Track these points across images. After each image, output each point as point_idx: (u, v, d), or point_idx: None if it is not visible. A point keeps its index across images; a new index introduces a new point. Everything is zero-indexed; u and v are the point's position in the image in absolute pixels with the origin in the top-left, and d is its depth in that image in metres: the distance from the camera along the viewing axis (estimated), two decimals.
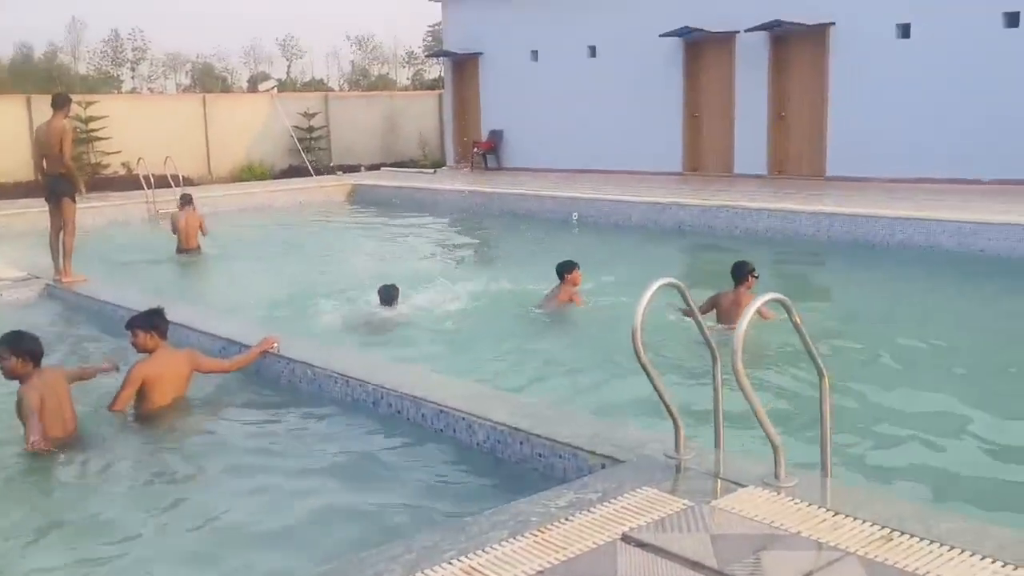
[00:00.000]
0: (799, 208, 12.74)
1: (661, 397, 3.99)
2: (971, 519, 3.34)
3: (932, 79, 15.00)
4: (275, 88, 25.75)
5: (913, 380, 6.36)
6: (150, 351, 5.90)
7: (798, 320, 3.72)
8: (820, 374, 3.83)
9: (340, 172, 22.31)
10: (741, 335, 3.55)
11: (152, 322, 5.94)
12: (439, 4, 23.16)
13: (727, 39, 17.53)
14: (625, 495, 3.68)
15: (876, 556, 3.09)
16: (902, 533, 3.23)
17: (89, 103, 20.68)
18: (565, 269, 8.54)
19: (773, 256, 11.60)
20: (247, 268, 12.05)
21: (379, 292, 8.51)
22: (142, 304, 6.45)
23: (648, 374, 3.91)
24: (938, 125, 14.99)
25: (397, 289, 8.56)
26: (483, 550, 3.27)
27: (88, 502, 4.79)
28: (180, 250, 12.54)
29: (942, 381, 6.29)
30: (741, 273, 7.49)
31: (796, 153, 17.15)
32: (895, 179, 15.33)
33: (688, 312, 4.23)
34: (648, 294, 3.87)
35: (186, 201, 12.91)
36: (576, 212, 15.16)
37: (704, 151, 18.55)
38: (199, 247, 12.70)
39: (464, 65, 22.90)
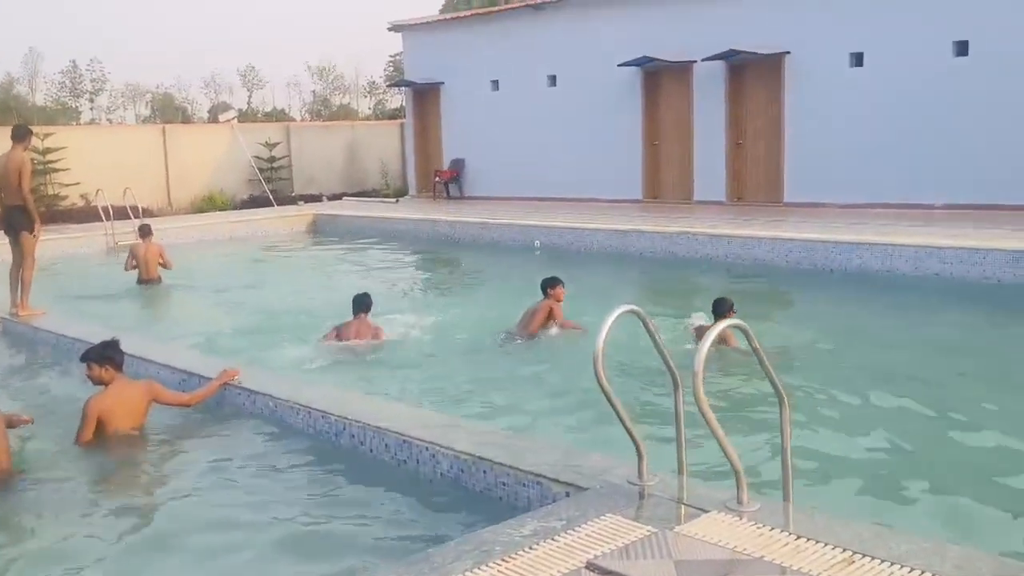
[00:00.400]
0: (758, 234, 12.89)
1: (623, 423, 4.00)
2: (929, 539, 3.38)
3: (885, 107, 15.31)
4: (235, 118, 25.64)
5: (872, 403, 6.43)
6: (106, 383, 5.84)
7: (757, 346, 3.75)
8: (780, 400, 3.87)
9: (301, 202, 22.21)
10: (701, 361, 3.58)
11: (106, 354, 5.88)
12: (400, 34, 23.24)
13: (685, 69, 17.77)
14: (589, 522, 3.68)
15: None
16: (863, 556, 3.26)
17: (47, 134, 20.45)
18: (549, 284, 8.71)
19: (732, 282, 11.73)
20: (208, 299, 11.93)
21: (354, 301, 8.48)
22: (100, 337, 6.35)
23: (610, 400, 3.92)
24: (891, 151, 15.28)
25: (369, 296, 8.57)
26: None
27: (37, 535, 4.69)
28: (140, 281, 12.47)
29: (901, 404, 6.36)
30: (721, 309, 7.52)
31: (754, 180, 17.38)
32: (850, 204, 15.58)
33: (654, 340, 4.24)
34: (609, 321, 3.89)
35: (145, 232, 12.81)
36: (539, 240, 15.21)
37: (664, 179, 18.73)
38: (159, 278, 12.59)
39: (425, 94, 22.98)
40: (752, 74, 17.11)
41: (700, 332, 7.75)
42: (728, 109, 17.33)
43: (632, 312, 4.02)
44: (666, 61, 17.75)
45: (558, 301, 8.66)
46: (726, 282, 11.74)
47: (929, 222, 13.16)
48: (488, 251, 15.46)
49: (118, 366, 5.90)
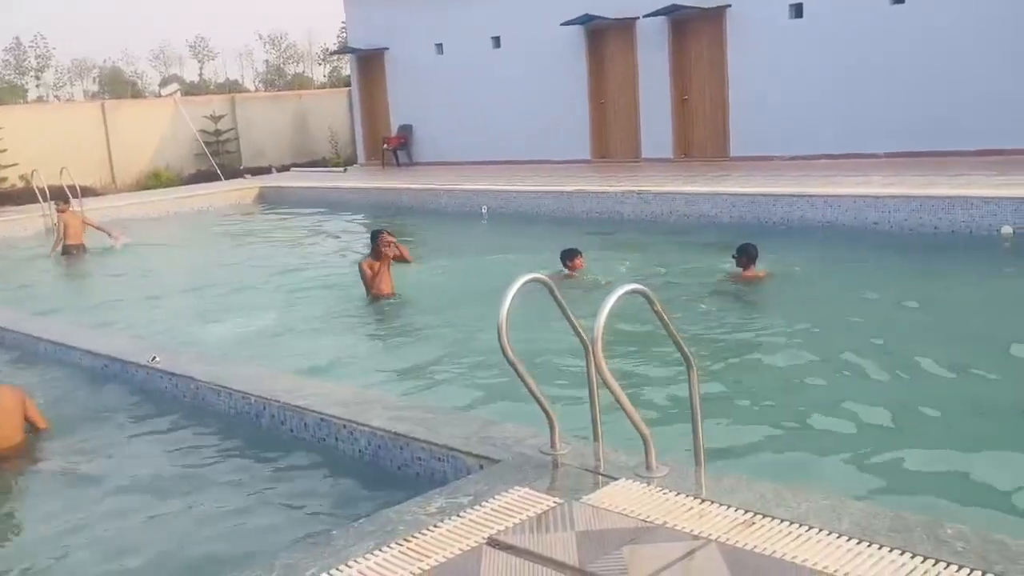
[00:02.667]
0: (702, 190, 12.85)
1: (532, 392, 3.93)
2: (829, 496, 3.35)
3: (825, 57, 15.27)
4: (178, 92, 25.21)
5: (790, 361, 6.41)
6: None
7: (660, 309, 3.68)
8: (688, 363, 3.80)
9: (248, 175, 21.87)
10: (600, 326, 3.49)
11: None
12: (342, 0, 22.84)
13: (627, 25, 17.60)
14: (497, 496, 3.61)
15: (736, 542, 3.07)
16: (764, 516, 3.22)
17: None
18: (567, 256, 8.79)
19: (677, 240, 11.71)
20: (137, 278, 11.74)
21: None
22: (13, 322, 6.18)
23: (516, 370, 3.84)
24: (834, 101, 15.27)
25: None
26: (346, 564, 3.17)
27: None
28: (65, 251, 12.74)
29: (818, 360, 6.36)
30: (753, 253, 8.43)
31: (700, 136, 17.33)
32: (796, 156, 15.59)
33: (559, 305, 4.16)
34: (512, 290, 3.79)
35: (64, 201, 13.64)
36: (486, 205, 15.08)
37: (611, 138, 18.63)
38: (83, 245, 12.95)
39: (370, 61, 22.63)
40: (694, 28, 16.99)
41: (736, 278, 8.47)
42: (672, 65, 17.22)
43: (538, 281, 3.93)
44: (608, 18, 17.57)
45: (577, 269, 8.75)
46: (671, 240, 11.74)
47: (871, 171, 13.18)
48: (436, 218, 15.32)
49: None
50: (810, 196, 11.44)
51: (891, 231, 10.52)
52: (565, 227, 13.52)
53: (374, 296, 8.57)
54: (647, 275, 9.29)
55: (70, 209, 13.63)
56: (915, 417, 5.24)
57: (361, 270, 8.69)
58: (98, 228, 13.64)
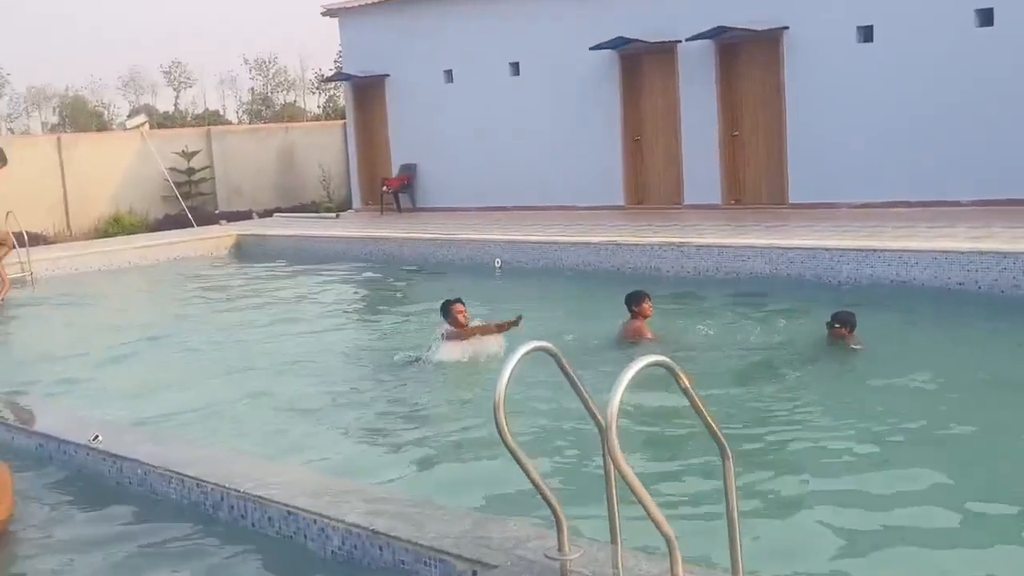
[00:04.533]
0: (754, 243, 12.82)
1: (536, 485, 3.86)
2: None
3: (900, 88, 15.30)
4: (146, 123, 25.52)
5: (874, 441, 6.33)
6: None
7: (686, 385, 3.61)
8: (723, 452, 3.73)
9: (224, 221, 22.06)
10: (615, 409, 3.42)
11: None
12: (335, 19, 23.18)
13: (668, 50, 17.78)
14: None
15: None
16: None
17: None
18: (634, 301, 9.24)
19: (724, 299, 11.67)
20: (76, 342, 11.81)
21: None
22: None
23: (516, 457, 3.79)
24: (909, 140, 15.26)
25: None
26: None
27: None
28: None
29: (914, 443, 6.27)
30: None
31: (753, 178, 17.37)
32: (866, 204, 15.56)
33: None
34: (513, 361, 3.76)
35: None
36: (499, 258, 15.11)
37: (649, 180, 18.72)
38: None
39: (368, 90, 22.92)
40: (747, 54, 17.14)
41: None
42: (720, 96, 17.34)
43: (543, 350, 3.89)
44: (646, 42, 17.75)
45: (645, 318, 9.19)
46: (718, 299, 11.71)
47: (954, 222, 13.12)
48: (442, 273, 15.33)
49: None
50: (882, 251, 11.39)
51: (979, 292, 10.44)
52: (591, 283, 13.54)
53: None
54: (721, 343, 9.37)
55: None
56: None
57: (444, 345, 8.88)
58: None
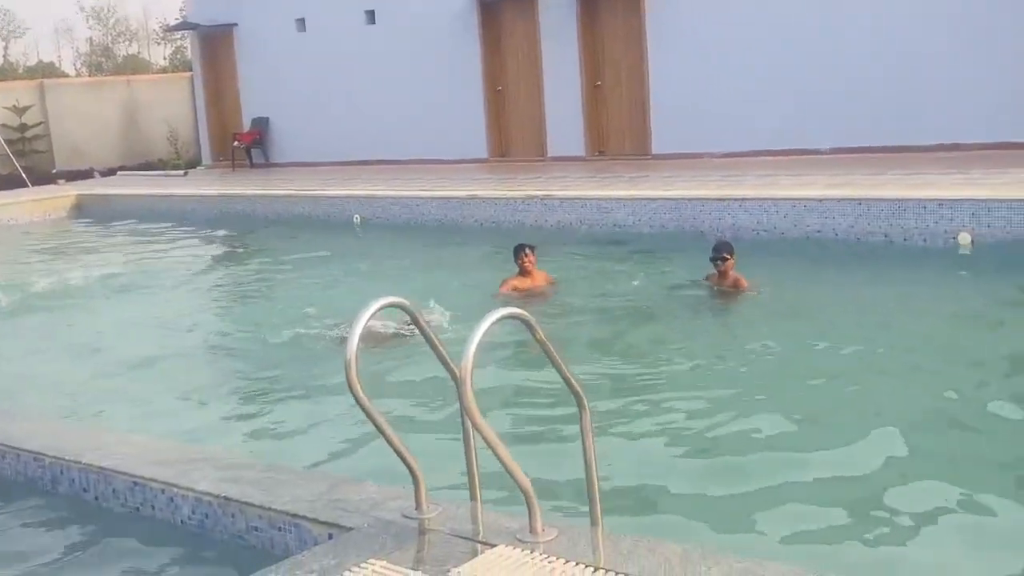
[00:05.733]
0: (618, 195, 13.01)
1: (390, 442, 3.87)
2: (744, 559, 3.38)
3: (763, 39, 15.60)
4: None
5: (702, 397, 6.53)
6: None
7: (542, 337, 3.67)
8: (579, 401, 3.80)
9: (62, 181, 21.34)
10: (469, 362, 3.45)
11: None
12: None
13: None
14: (348, 572, 3.55)
15: None
16: None
17: None
18: (514, 255, 9.39)
19: (589, 251, 11.84)
20: None
21: None
22: None
23: (369, 415, 3.79)
24: (773, 89, 15.58)
25: None
26: None
27: None
28: None
29: (735, 396, 6.49)
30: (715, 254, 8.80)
31: (617, 129, 17.57)
32: (730, 153, 15.90)
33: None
34: (364, 317, 3.74)
35: None
36: (358, 214, 15.01)
37: (512, 133, 18.77)
38: None
39: (215, 40, 22.36)
40: (607, 1, 17.24)
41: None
42: (581, 45, 17.44)
43: (396, 305, 3.89)
44: None
45: (526, 273, 9.31)
46: (581, 252, 11.85)
47: (816, 170, 13.55)
48: (297, 230, 15.15)
49: None
50: (743, 199, 11.70)
51: (836, 239, 10.84)
52: (455, 238, 13.56)
53: None
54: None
55: None
56: (853, 465, 5.34)
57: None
58: None
